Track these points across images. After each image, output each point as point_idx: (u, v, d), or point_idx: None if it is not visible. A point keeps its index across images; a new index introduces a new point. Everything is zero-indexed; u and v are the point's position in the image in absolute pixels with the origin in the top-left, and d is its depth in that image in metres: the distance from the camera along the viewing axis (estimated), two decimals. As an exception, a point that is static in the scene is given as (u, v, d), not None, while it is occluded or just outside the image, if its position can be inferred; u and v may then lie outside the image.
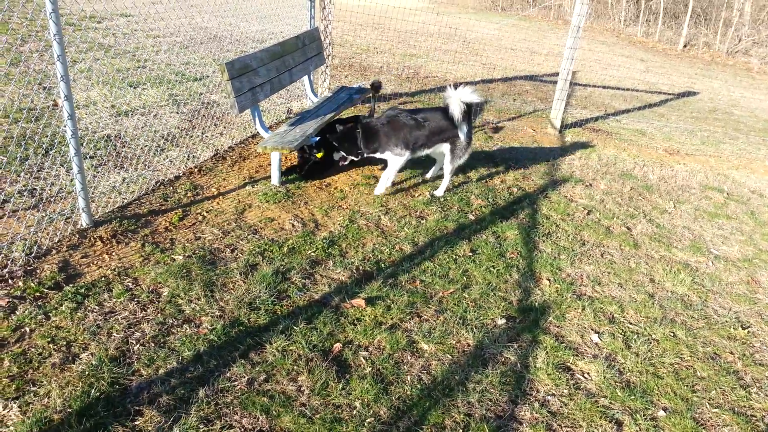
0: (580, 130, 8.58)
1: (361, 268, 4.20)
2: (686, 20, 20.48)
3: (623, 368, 3.53)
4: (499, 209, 5.42)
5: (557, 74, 8.24)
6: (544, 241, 4.95)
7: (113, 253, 3.96)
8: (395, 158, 5.22)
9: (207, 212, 4.70)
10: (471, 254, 4.57)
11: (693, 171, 7.61)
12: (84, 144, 5.37)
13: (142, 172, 5.11)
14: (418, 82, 10.03)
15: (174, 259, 3.96)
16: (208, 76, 8.39)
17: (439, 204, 5.36)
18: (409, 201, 5.37)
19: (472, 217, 5.20)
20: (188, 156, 5.59)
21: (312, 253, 4.30)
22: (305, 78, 6.25)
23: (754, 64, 19.64)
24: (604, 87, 12.01)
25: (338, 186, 5.52)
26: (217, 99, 7.34)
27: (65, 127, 3.83)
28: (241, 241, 4.33)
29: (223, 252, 4.16)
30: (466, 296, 4.02)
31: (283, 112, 7.39)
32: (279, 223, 4.69)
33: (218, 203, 4.87)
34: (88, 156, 5.19)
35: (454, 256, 4.51)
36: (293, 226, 4.68)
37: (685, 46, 20.43)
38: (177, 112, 6.68)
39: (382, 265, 4.28)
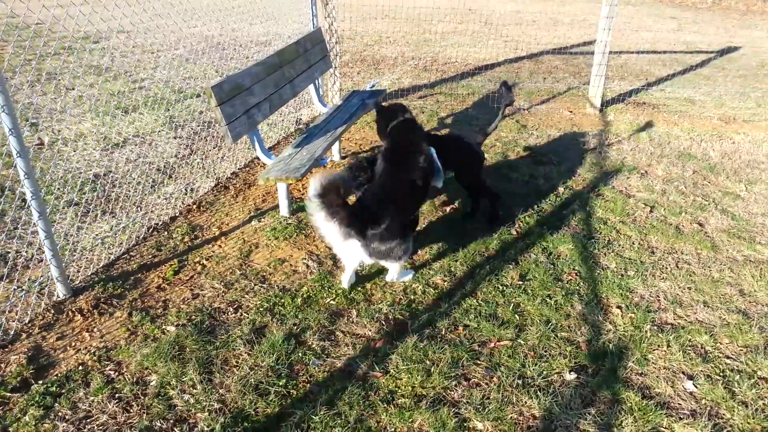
0: (622, 106, 7.67)
1: (390, 316, 3.49)
2: (717, -32, 19.03)
3: (732, 427, 2.75)
4: (546, 217, 4.63)
5: (587, 44, 7.39)
6: (605, 254, 4.15)
7: (95, 329, 3.32)
8: None
9: (207, 260, 4.04)
10: (521, 282, 3.81)
11: (756, 141, 6.67)
12: (68, 189, 4.76)
13: (133, 216, 4.47)
14: (437, 71, 9.21)
15: (166, 331, 3.31)
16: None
17: (477, 219, 4.59)
18: (443, 216, 4.62)
19: (515, 232, 4.42)
20: (186, 190, 4.94)
21: (331, 302, 3.60)
22: (311, 87, 5.52)
23: (796, 6, 18.16)
24: (639, 52, 10.99)
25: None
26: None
27: (23, 187, 3.19)
28: (246, 295, 3.65)
29: (224, 313, 3.48)
30: (522, 343, 3.27)
31: (292, 123, 6.68)
32: (291, 265, 4.00)
33: (220, 246, 4.20)
34: (72, 203, 4.56)
35: (500, 287, 3.76)
36: (308, 267, 3.98)
37: (716, -3, 19.02)
38: (175, 137, 6.04)
39: (416, 308, 3.56)
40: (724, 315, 3.57)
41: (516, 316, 3.49)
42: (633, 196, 5.06)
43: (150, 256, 4.06)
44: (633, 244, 4.31)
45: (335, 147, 5.57)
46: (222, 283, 3.78)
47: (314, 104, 5.81)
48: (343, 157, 5.74)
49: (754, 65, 10.59)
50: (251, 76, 4.30)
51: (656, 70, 9.77)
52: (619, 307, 3.61)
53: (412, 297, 3.67)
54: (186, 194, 4.88)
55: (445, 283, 3.81)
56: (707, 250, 4.27)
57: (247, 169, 5.53)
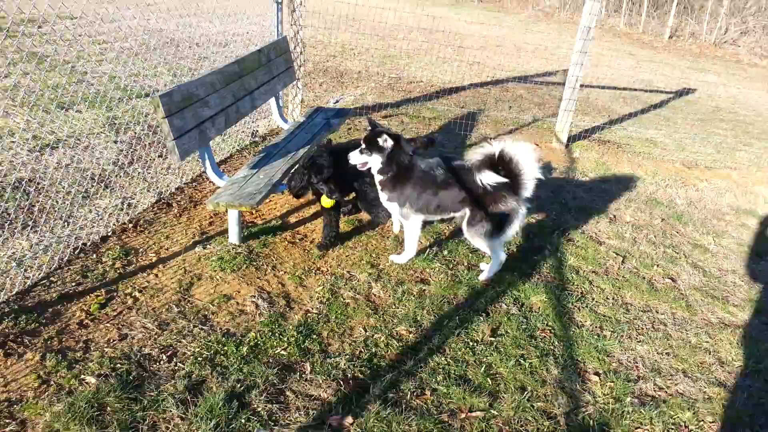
0: (587, 143, 7.55)
1: (349, 372, 3.08)
2: (672, 9, 19.64)
3: None
4: (517, 262, 4.33)
5: (549, 74, 7.24)
6: (579, 309, 3.88)
7: (-4, 377, 2.77)
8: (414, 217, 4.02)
9: (140, 291, 3.53)
10: (492, 338, 3.48)
11: (719, 190, 6.65)
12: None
13: (58, 233, 3.90)
14: (402, 90, 8.89)
15: (84, 383, 2.80)
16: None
17: (443, 259, 4.25)
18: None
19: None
20: (123, 204, 4.39)
21: (282, 352, 3.17)
22: (272, 101, 5.07)
23: (743, 54, 18.92)
24: (601, 87, 11.01)
25: (314, 237, 4.38)
26: (166, 121, 6.10)
27: None
28: (183, 339, 3.17)
29: (156, 361, 2.99)
30: (496, 414, 2.92)
31: (248, 135, 6.20)
32: (238, 303, 3.54)
33: (157, 276, 3.70)
34: (-15, 214, 3.96)
35: (471, 343, 3.41)
36: (257, 306, 3.53)
37: (671, 37, 19.62)
38: (115, 141, 5.45)
39: (378, 363, 3.16)
40: (704, 387, 3.34)
41: (488, 380, 3.15)
42: (603, 243, 4.84)
43: (74, 284, 3.52)
44: (607, 299, 4.06)
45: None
46: (156, 323, 3.28)
47: (273, 118, 5.35)
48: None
49: (710, 109, 10.80)
50: (206, 86, 3.83)
51: (618, 107, 9.77)
52: (597, 373, 3.32)
53: (374, 349, 3.28)
54: (122, 210, 4.33)
55: (411, 335, 3.43)
56: (682, 310, 4.07)
57: (194, 184, 5.02)
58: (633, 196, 6.00)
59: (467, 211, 3.88)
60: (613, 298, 4.08)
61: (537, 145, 7.17)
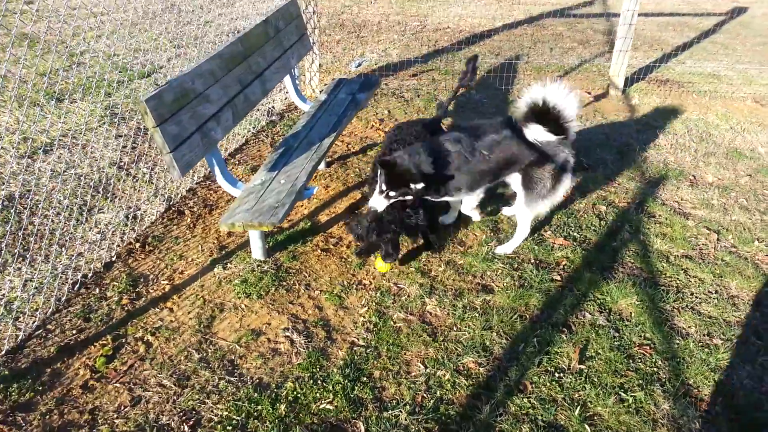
0: (645, 84, 6.64)
1: (413, 429, 2.48)
2: None
3: None
4: (593, 252, 3.63)
5: (587, 4, 6.26)
6: (679, 311, 3.19)
7: (-18, 480, 2.24)
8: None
9: (153, 334, 2.96)
10: (581, 364, 2.82)
11: (806, 129, 5.74)
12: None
13: (53, 263, 3.32)
14: (428, 40, 7.99)
15: (90, 480, 2.25)
16: (162, 67, 6.44)
17: (505, 258, 3.57)
18: (461, 258, 3.59)
19: (559, 277, 3.42)
20: (128, 217, 3.79)
21: (328, 407, 2.58)
22: (286, 78, 4.33)
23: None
24: (646, 15, 9.89)
25: (350, 239, 3.73)
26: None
27: None
28: (208, 400, 2.61)
29: (177, 437, 2.43)
30: (604, 479, 2.29)
31: (264, 115, 5.49)
32: (270, 340, 2.95)
33: (172, 311, 3.12)
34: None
35: (556, 373, 2.77)
36: (292, 342, 2.93)
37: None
38: (116, 136, 4.81)
39: (447, 413, 2.56)
40: None
41: (586, 426, 2.52)
42: (690, 216, 4.09)
43: (74, 331, 2.96)
44: (710, 293, 3.36)
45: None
46: (174, 377, 2.71)
47: (291, 98, 4.62)
48: (328, 165, 4.61)
49: (769, 29, 9.63)
50: (204, 76, 3.12)
51: (669, 38, 8.72)
52: (719, 407, 2.65)
53: (438, 392, 2.67)
54: (127, 225, 3.73)
55: (480, 368, 2.80)
56: (801, 300, 3.34)
57: (207, 183, 4.38)
58: (710, 148, 5.17)
59: (518, 176, 3.39)
60: (716, 291, 3.37)
61: (589, 93, 6.30)
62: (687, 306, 3.24)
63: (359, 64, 6.47)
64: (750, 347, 2.98)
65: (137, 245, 3.61)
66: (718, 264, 3.61)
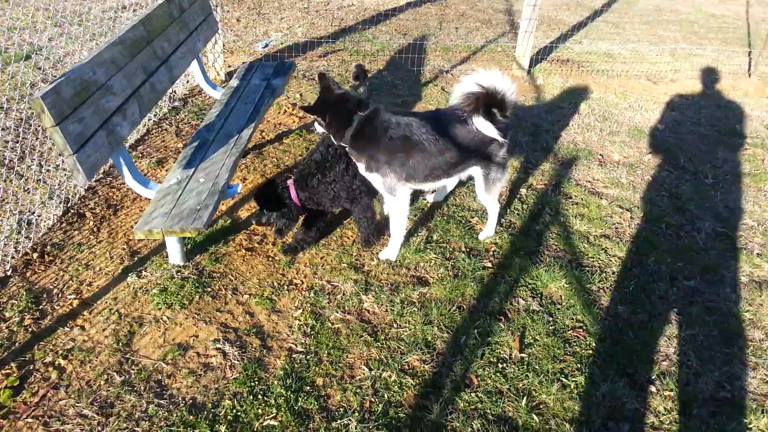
0: (547, 65, 6.85)
1: (363, 437, 2.39)
2: None
3: None
4: (519, 237, 3.69)
5: None
6: (604, 291, 3.31)
7: None
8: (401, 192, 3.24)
9: (66, 357, 2.65)
10: (522, 353, 2.85)
11: (695, 106, 6.18)
12: None
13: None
14: (334, 18, 7.76)
15: None
16: (41, 48, 5.79)
17: (436, 247, 3.54)
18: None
19: (490, 264, 3.44)
20: (20, 225, 3.36)
21: (273, 423, 2.43)
22: (194, 63, 4.00)
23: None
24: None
25: (276, 238, 3.54)
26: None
27: None
28: (137, 428, 2.37)
29: (107, 476, 2.19)
30: (557, 469, 2.33)
31: (165, 103, 5.08)
32: (199, 354, 2.73)
33: (84, 329, 2.81)
34: None
35: (499, 364, 2.79)
36: (224, 355, 2.73)
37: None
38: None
39: (397, 416, 2.49)
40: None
41: (534, 416, 2.54)
42: (603, 195, 4.26)
43: (-32, 363, 2.58)
44: (631, 271, 3.50)
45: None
46: (95, 406, 2.44)
47: (198, 84, 4.29)
48: (243, 156, 4.33)
49: (652, 9, 10.28)
50: (105, 65, 2.79)
51: (566, 17, 9.05)
52: (650, 380, 2.78)
53: (386, 395, 2.60)
54: (20, 233, 3.31)
55: (425, 365, 2.76)
56: (711, 273, 3.57)
57: (108, 180, 3.98)
58: (614, 127, 5.41)
59: (478, 169, 3.32)
60: (638, 269, 3.52)
61: (497, 74, 6.38)
62: (610, 285, 3.36)
63: (266, 45, 6.15)
64: (672, 323, 3.14)
65: (35, 255, 3.22)
66: (635, 242, 3.77)
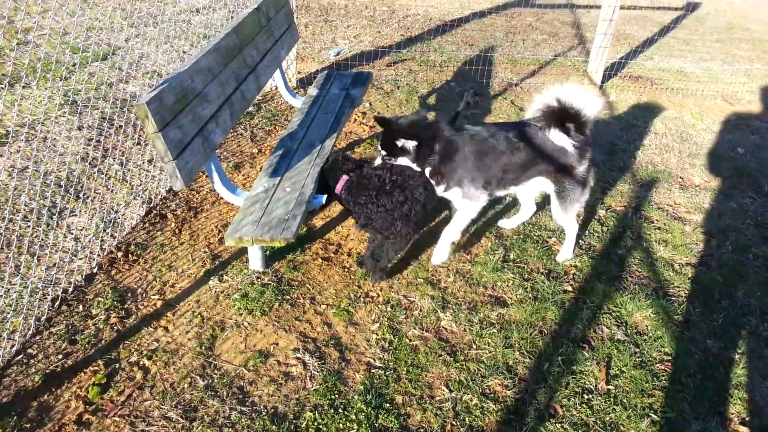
0: (619, 81, 6.67)
1: (447, 462, 2.33)
2: None
3: None
4: (600, 261, 3.57)
5: None
6: (693, 324, 3.16)
7: None
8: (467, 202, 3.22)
9: (150, 358, 2.68)
10: (608, 384, 2.75)
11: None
12: None
13: (28, 279, 2.97)
14: (400, 27, 7.76)
15: None
16: (119, 48, 5.96)
17: (513, 266, 3.46)
18: (470, 267, 3.45)
19: (571, 288, 3.34)
20: (105, 222, 3.44)
21: (354, 439, 2.39)
22: (276, 72, 4.04)
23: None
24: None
25: (350, 246, 3.53)
26: (137, 90, 5.01)
27: None
28: (223, 435, 2.37)
29: (194, 482, 2.19)
30: None
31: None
32: (280, 363, 2.73)
33: (168, 330, 2.84)
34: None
35: (584, 395, 2.69)
36: (305, 365, 2.72)
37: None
38: (79, 127, 4.38)
39: (479, 443, 2.42)
40: None
41: (623, 453, 2.44)
42: (686, 221, 4.10)
43: (60, 356, 2.65)
44: (720, 302, 3.34)
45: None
46: (179, 409, 2.46)
47: (281, 94, 4.33)
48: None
49: (724, 27, 9.94)
50: (203, 73, 2.83)
51: (634, 32, 8.82)
52: (743, 422, 2.64)
53: (467, 419, 2.53)
54: (105, 231, 3.38)
55: (507, 391, 2.68)
56: (803, 308, 3.38)
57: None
58: (693, 149, 5.22)
59: (550, 183, 3.27)
60: (726, 301, 3.36)
61: (568, 89, 6.25)
62: (698, 317, 3.22)
63: (338, 53, 6.18)
64: (765, 361, 2.98)
65: (119, 254, 3.29)
66: (723, 272, 3.61)
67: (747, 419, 2.66)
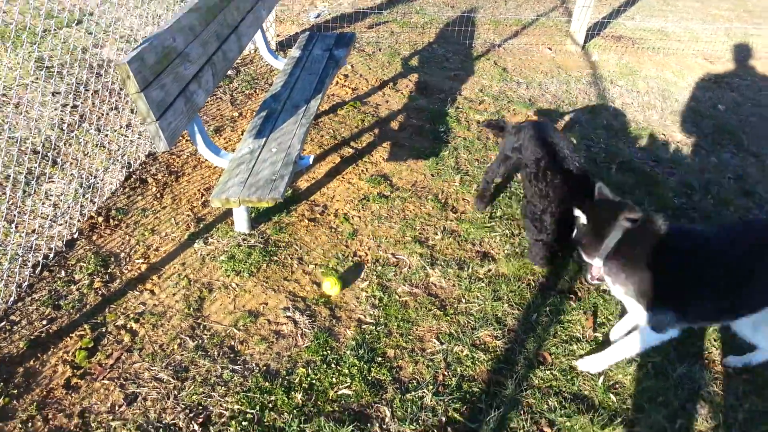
0: (601, 40, 6.64)
1: (440, 410, 2.36)
2: None
3: None
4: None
5: None
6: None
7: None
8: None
9: (137, 321, 2.65)
10: (595, 332, 2.78)
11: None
12: None
13: (1, 247, 2.91)
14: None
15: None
16: (91, 14, 5.77)
17: (501, 223, 3.46)
18: (457, 225, 3.44)
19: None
20: (84, 188, 3.37)
21: (347, 392, 2.41)
22: (257, 33, 3.94)
23: None
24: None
25: (337, 207, 3.50)
26: (113, 55, 4.86)
27: None
28: (214, 392, 2.37)
29: (187, 438, 2.19)
30: (639, 451, 2.27)
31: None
32: (270, 322, 2.71)
33: (154, 293, 2.80)
34: None
35: (573, 343, 2.72)
36: (295, 323, 2.71)
37: None
38: (53, 93, 4.26)
39: (471, 391, 2.45)
40: None
41: (610, 395, 2.48)
42: (669, 176, 4.13)
43: (44, 322, 2.60)
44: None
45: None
46: (170, 369, 2.44)
47: (261, 55, 4.23)
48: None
49: (703, -14, 9.90)
50: (184, 31, 2.74)
51: (614, -9, 8.75)
52: (726, 364, 2.69)
53: (458, 369, 2.56)
54: (84, 196, 3.31)
55: (497, 341, 2.71)
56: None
57: (169, 146, 3.95)
58: (674, 107, 5.25)
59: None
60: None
61: (550, 49, 6.22)
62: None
63: (318, 15, 6.06)
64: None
65: (100, 219, 3.22)
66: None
67: (724, 357, 2.71)
